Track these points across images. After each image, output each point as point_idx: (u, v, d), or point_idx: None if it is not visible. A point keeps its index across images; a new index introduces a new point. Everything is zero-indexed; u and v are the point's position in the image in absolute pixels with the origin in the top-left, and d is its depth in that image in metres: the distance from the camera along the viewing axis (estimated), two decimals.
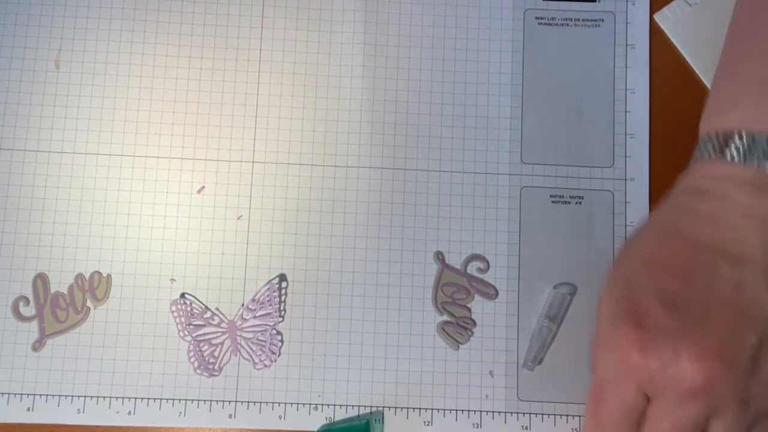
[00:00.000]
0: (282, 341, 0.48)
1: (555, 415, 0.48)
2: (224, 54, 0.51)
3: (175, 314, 0.48)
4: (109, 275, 0.49)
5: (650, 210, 0.50)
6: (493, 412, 0.48)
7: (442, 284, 0.49)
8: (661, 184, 0.50)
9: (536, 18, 0.52)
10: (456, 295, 0.49)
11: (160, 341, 0.48)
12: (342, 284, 0.49)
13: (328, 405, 0.48)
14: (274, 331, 0.48)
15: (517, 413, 0.48)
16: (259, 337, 0.48)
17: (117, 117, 0.50)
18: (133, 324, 0.48)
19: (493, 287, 0.49)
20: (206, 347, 0.48)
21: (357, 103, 0.51)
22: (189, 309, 0.48)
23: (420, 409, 0.48)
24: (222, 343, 0.48)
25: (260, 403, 0.48)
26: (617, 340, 0.35)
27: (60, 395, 0.48)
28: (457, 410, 0.48)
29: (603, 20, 0.52)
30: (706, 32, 0.52)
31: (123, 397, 0.48)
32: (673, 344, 0.33)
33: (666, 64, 0.52)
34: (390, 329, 0.49)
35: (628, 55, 0.51)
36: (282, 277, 0.49)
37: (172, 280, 0.49)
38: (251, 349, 0.48)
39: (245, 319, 0.48)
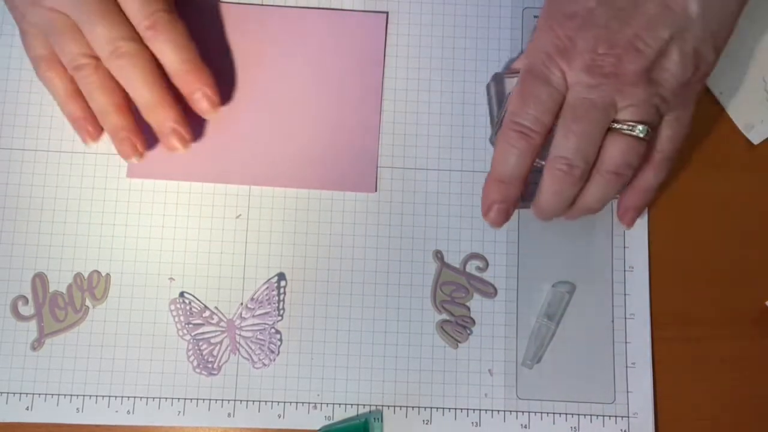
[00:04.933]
0: (281, 340, 0.48)
1: (554, 413, 0.48)
2: None
3: (174, 313, 0.48)
4: (107, 274, 0.49)
5: (649, 208, 0.50)
6: (492, 410, 0.48)
7: (441, 283, 0.49)
8: None
9: (535, 17, 0.52)
10: (455, 294, 0.49)
11: (159, 340, 0.48)
12: (341, 283, 0.49)
13: (327, 404, 0.48)
14: (273, 330, 0.48)
15: (516, 412, 0.48)
16: (258, 336, 0.48)
17: None
18: (132, 323, 0.48)
19: (492, 286, 0.49)
20: (205, 346, 0.48)
21: None
22: (188, 308, 0.48)
23: (419, 407, 0.48)
24: (221, 342, 0.48)
25: (259, 402, 0.48)
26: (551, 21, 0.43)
27: (59, 394, 0.48)
28: (456, 409, 0.48)
29: None
30: None
31: (122, 396, 0.48)
32: (594, 32, 0.41)
33: None
34: (389, 328, 0.49)
35: None
36: (281, 276, 0.49)
37: (171, 279, 0.49)
38: (250, 348, 0.48)
39: (244, 318, 0.48)
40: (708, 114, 0.51)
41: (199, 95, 0.46)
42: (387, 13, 0.51)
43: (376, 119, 0.50)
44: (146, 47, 0.45)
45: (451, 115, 0.51)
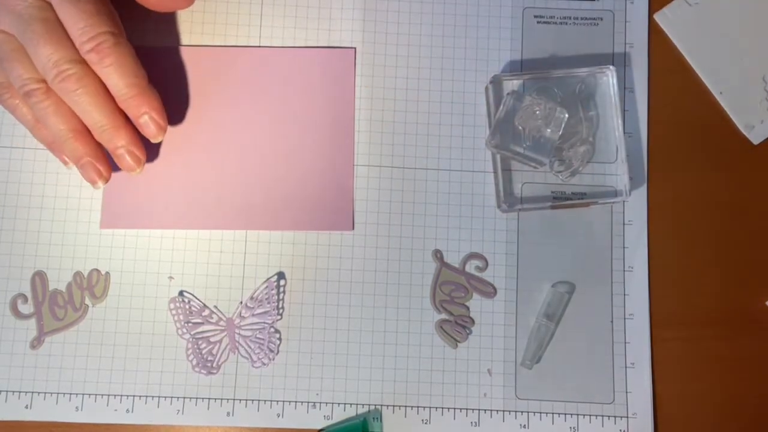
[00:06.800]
0: (280, 339, 0.48)
1: (553, 413, 0.48)
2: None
3: (174, 312, 0.48)
4: (107, 273, 0.49)
5: (648, 209, 0.50)
6: (491, 410, 0.48)
7: (440, 282, 0.49)
8: (659, 181, 0.50)
9: (535, 17, 0.52)
10: (454, 294, 0.49)
11: (158, 339, 0.48)
12: (340, 282, 0.49)
13: (326, 403, 0.48)
14: (273, 329, 0.48)
15: (515, 412, 0.48)
16: (258, 335, 0.48)
17: None
18: (131, 322, 0.48)
19: (492, 286, 0.49)
20: (204, 345, 0.48)
21: (356, 102, 0.51)
22: (187, 307, 0.48)
23: (418, 407, 0.48)
24: (220, 341, 0.48)
25: (258, 401, 0.48)
26: None
27: (58, 393, 0.48)
28: (455, 409, 0.48)
29: (602, 19, 0.52)
30: (706, 32, 0.52)
31: (121, 395, 0.48)
32: None
33: (666, 63, 0.52)
34: (388, 327, 0.49)
35: (626, 53, 0.51)
36: (280, 275, 0.49)
37: (171, 277, 0.49)
38: (249, 347, 0.48)
39: (243, 317, 0.48)
40: (708, 114, 0.51)
41: (146, 119, 0.44)
42: (354, 48, 0.51)
43: (350, 157, 0.50)
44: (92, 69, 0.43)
45: (450, 115, 0.51)
